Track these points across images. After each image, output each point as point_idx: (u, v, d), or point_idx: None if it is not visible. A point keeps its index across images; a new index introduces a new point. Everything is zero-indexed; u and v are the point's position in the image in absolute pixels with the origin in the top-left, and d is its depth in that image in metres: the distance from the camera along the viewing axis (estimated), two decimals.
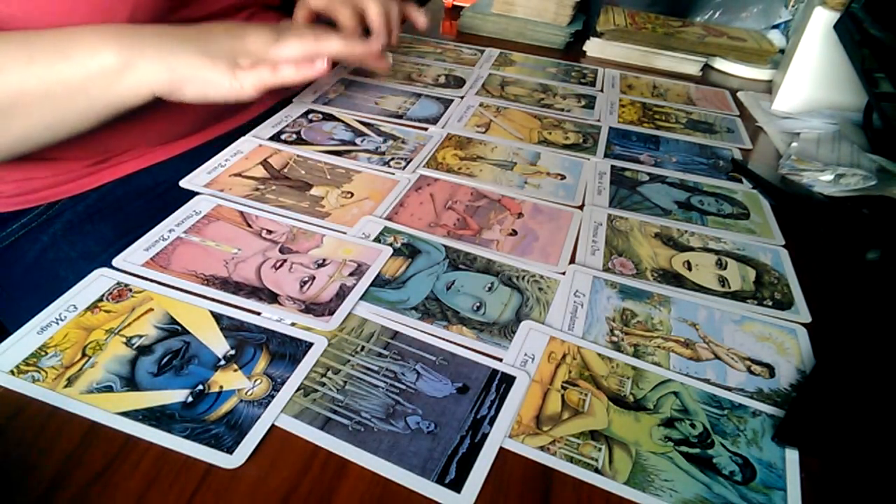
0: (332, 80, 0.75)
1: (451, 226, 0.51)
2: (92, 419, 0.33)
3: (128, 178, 0.59)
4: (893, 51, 0.63)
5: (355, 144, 0.62)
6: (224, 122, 0.66)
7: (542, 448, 0.34)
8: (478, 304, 0.43)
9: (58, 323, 0.38)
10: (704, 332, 0.43)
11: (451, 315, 0.42)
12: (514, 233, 0.51)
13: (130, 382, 0.35)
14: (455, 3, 1.05)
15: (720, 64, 0.92)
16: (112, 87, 0.45)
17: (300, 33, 0.54)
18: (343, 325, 0.40)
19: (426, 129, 0.66)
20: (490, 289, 0.45)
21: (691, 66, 0.91)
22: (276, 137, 0.62)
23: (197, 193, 0.52)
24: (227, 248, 0.46)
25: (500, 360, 0.39)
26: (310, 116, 0.67)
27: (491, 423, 0.35)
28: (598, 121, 0.72)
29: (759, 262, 0.51)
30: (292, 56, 0.52)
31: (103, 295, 0.41)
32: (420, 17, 0.73)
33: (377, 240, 0.49)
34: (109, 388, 0.35)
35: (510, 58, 0.89)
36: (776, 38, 0.96)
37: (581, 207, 0.56)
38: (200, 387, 0.35)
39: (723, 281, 0.48)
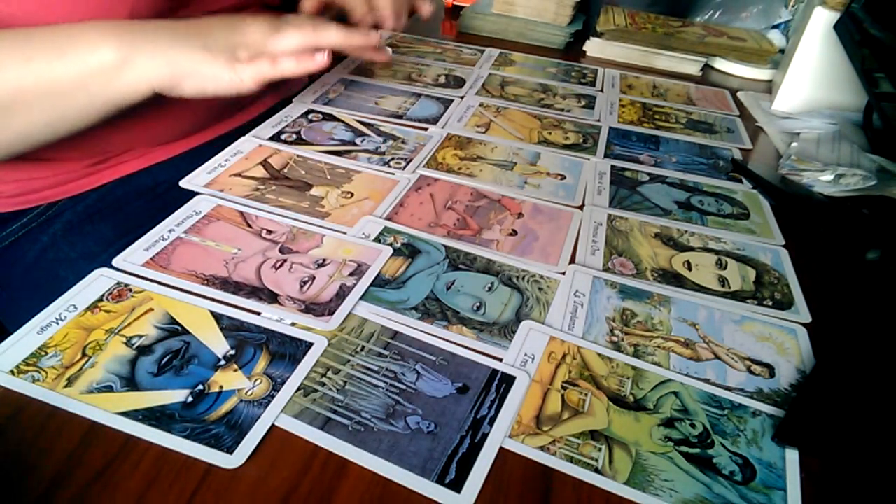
0: (333, 80, 0.75)
1: (451, 226, 0.51)
2: (92, 419, 0.33)
3: (128, 178, 0.59)
4: (893, 51, 0.63)
5: (355, 144, 0.62)
6: (224, 122, 0.66)
7: (542, 448, 0.34)
8: (478, 304, 0.43)
9: (58, 323, 0.38)
10: (704, 332, 0.43)
11: (451, 315, 0.42)
12: (514, 233, 0.51)
13: (130, 382, 0.35)
14: (455, 3, 1.05)
15: (720, 64, 0.92)
16: (111, 83, 0.45)
17: (299, 25, 0.54)
18: (343, 325, 0.40)
19: (426, 129, 0.66)
20: (490, 289, 0.45)
21: (691, 66, 0.91)
22: (276, 137, 0.62)
23: (197, 193, 0.52)
24: (227, 248, 0.46)
25: (500, 360, 0.39)
26: (310, 116, 0.67)
27: (491, 423, 0.35)
28: (598, 121, 0.72)
29: (759, 262, 0.51)
30: (291, 48, 0.52)
31: (103, 295, 0.41)
32: (425, 6, 0.73)
33: (377, 240, 0.49)
34: (109, 388, 0.35)
35: (510, 58, 0.89)
36: (776, 38, 0.96)
37: (581, 207, 0.56)
38: (200, 387, 0.35)
39: (723, 281, 0.48)
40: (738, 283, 0.48)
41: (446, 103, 0.72)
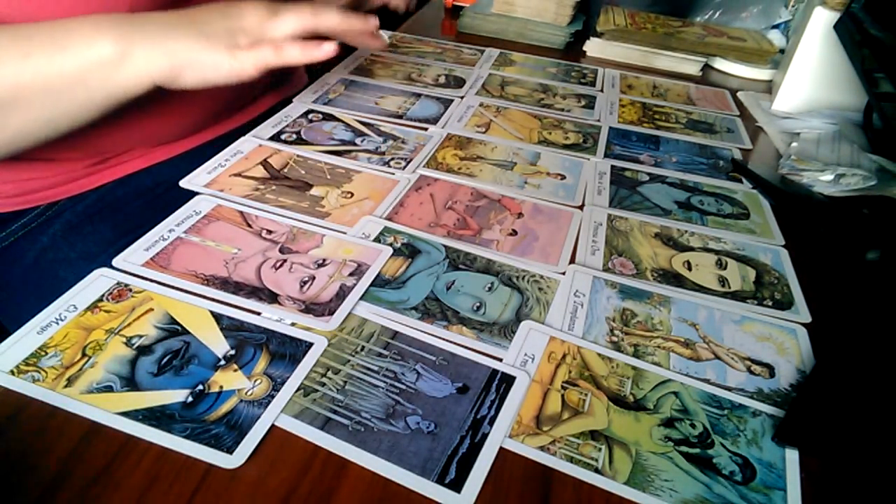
0: (333, 80, 0.75)
1: (451, 226, 0.51)
2: (92, 419, 0.33)
3: (127, 178, 0.59)
4: (893, 51, 0.63)
5: (355, 144, 0.62)
6: (224, 122, 0.66)
7: (542, 448, 0.34)
8: (478, 304, 0.43)
9: (58, 323, 0.38)
10: (704, 332, 0.43)
11: (451, 315, 0.42)
12: (514, 233, 0.51)
13: (130, 382, 0.35)
14: (455, 3, 1.05)
15: (720, 64, 0.92)
16: (111, 78, 0.44)
17: (297, 8, 0.52)
18: (343, 325, 0.40)
19: (426, 129, 0.66)
20: (490, 289, 0.45)
21: (691, 66, 0.91)
22: (276, 137, 0.62)
23: (197, 193, 0.52)
24: (227, 248, 0.46)
25: (500, 360, 0.39)
26: (310, 116, 0.67)
27: (491, 423, 0.35)
28: (598, 121, 0.72)
29: (759, 262, 0.51)
30: (290, 32, 0.51)
31: (103, 295, 0.41)
32: None
33: (377, 240, 0.49)
34: (109, 388, 0.35)
35: (510, 58, 0.89)
36: (776, 38, 0.96)
37: (581, 207, 0.56)
38: (200, 387, 0.35)
39: (723, 281, 0.48)
40: (738, 283, 0.48)
41: (446, 103, 0.72)
